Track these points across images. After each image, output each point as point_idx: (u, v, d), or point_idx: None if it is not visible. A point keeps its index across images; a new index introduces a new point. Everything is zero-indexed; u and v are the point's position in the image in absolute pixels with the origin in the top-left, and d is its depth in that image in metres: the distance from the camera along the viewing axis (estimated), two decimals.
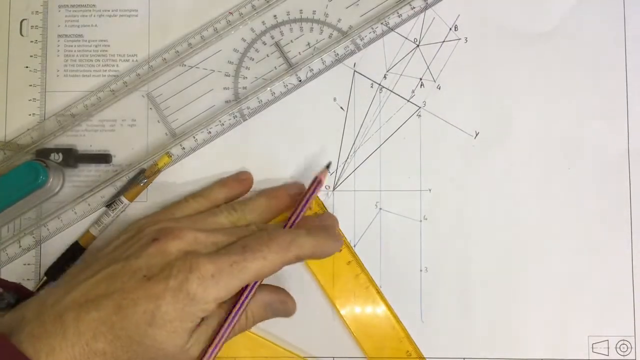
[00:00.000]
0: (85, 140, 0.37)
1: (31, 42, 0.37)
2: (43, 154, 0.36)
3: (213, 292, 0.27)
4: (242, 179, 0.36)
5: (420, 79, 0.37)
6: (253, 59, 0.37)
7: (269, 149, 0.37)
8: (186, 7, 0.37)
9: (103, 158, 0.36)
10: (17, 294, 0.30)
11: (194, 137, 0.37)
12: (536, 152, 0.37)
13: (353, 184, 0.37)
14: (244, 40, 0.37)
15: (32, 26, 0.37)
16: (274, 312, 0.32)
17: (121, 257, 0.29)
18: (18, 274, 0.36)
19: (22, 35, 0.37)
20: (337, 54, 0.37)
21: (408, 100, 0.37)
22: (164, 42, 0.37)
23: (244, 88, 0.37)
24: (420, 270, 0.36)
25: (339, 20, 0.37)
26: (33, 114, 0.37)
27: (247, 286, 0.30)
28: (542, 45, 0.37)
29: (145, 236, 0.30)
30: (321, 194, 0.36)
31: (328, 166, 0.35)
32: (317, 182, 0.33)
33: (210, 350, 0.29)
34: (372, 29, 0.37)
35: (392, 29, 0.37)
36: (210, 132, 0.37)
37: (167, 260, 0.28)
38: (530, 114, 0.37)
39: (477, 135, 0.37)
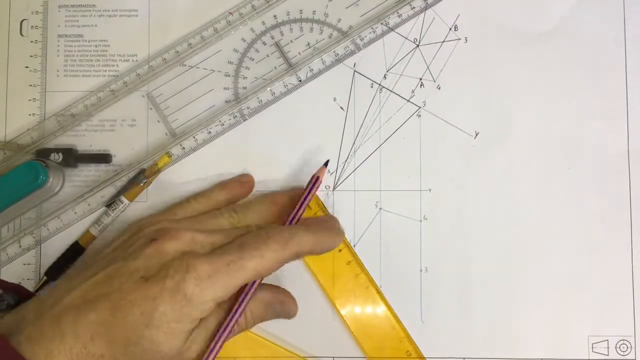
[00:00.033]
0: (85, 140, 0.37)
1: (31, 42, 0.37)
2: (43, 154, 0.36)
3: (210, 292, 0.27)
4: (244, 181, 0.36)
5: (420, 79, 0.37)
6: (253, 59, 0.37)
7: (269, 149, 0.37)
8: (186, 7, 0.37)
9: (103, 158, 0.36)
10: (17, 295, 0.30)
11: (194, 137, 0.37)
12: (536, 152, 0.37)
13: (353, 184, 0.37)
14: (244, 40, 0.37)
15: (32, 26, 0.37)
16: (274, 312, 0.32)
17: (119, 258, 0.29)
18: (18, 274, 0.36)
19: (22, 35, 0.37)
20: (337, 54, 0.37)
21: (408, 100, 0.37)
22: (164, 42, 0.37)
23: (244, 88, 0.37)
24: (420, 270, 0.36)
25: (339, 20, 0.37)
26: (33, 114, 0.37)
27: (246, 285, 0.30)
28: (542, 45, 0.37)
29: (143, 237, 0.30)
30: (321, 194, 0.36)
31: (326, 164, 0.35)
32: (315, 180, 0.33)
33: (209, 350, 0.28)
34: (372, 29, 0.37)
35: (392, 29, 0.37)
36: (210, 132, 0.37)
37: (164, 261, 0.28)
38: (530, 114, 0.37)
39: (477, 135, 0.37)
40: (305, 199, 0.32)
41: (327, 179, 0.37)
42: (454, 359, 0.36)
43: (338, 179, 0.37)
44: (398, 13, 0.37)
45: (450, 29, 0.37)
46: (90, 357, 0.26)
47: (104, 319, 0.26)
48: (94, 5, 0.38)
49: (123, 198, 0.36)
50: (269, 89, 0.37)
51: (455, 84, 0.37)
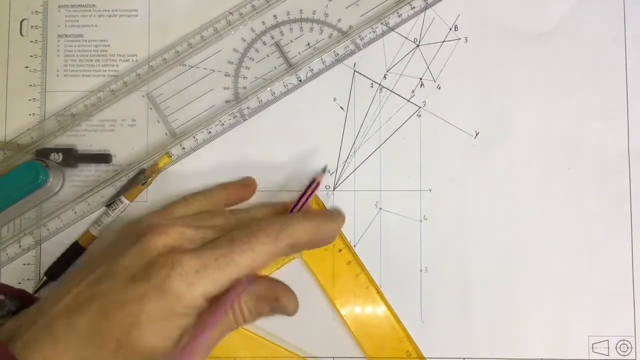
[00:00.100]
0: (85, 140, 0.37)
1: (31, 42, 0.37)
2: (43, 153, 0.36)
3: (199, 288, 0.26)
4: (246, 184, 0.35)
5: (420, 79, 0.37)
6: (253, 59, 0.37)
7: (269, 149, 0.37)
8: (186, 7, 0.37)
9: (103, 158, 0.36)
10: (20, 301, 0.29)
11: (194, 137, 0.37)
12: (536, 152, 0.37)
13: (353, 184, 0.37)
14: (244, 40, 0.37)
15: (32, 26, 0.37)
16: (271, 307, 0.30)
17: (109, 258, 0.28)
18: (18, 274, 0.36)
19: (22, 35, 0.37)
20: (337, 54, 0.37)
21: (408, 100, 0.37)
22: (164, 42, 0.37)
23: (244, 88, 0.37)
24: (420, 270, 0.36)
25: (339, 20, 0.37)
26: (33, 114, 0.37)
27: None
28: (542, 45, 0.37)
29: (132, 234, 0.29)
30: (321, 194, 0.36)
31: (324, 170, 0.35)
32: (315, 185, 0.33)
33: (193, 339, 0.27)
34: (372, 28, 0.37)
35: (392, 29, 0.37)
36: (210, 132, 0.37)
37: (150, 258, 0.27)
38: (530, 114, 0.37)
39: (477, 135, 0.37)
40: (302, 204, 0.32)
41: (327, 179, 0.37)
42: (454, 359, 0.36)
43: (338, 179, 0.37)
44: (398, 13, 0.37)
45: (450, 29, 0.37)
46: None
47: (95, 322, 0.26)
48: (94, 5, 0.38)
49: (123, 198, 0.36)
50: (269, 89, 0.37)
51: (455, 84, 0.37)
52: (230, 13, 0.37)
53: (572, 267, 0.36)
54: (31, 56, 0.37)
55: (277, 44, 0.37)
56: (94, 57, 0.37)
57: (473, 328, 0.36)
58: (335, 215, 0.31)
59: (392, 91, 0.37)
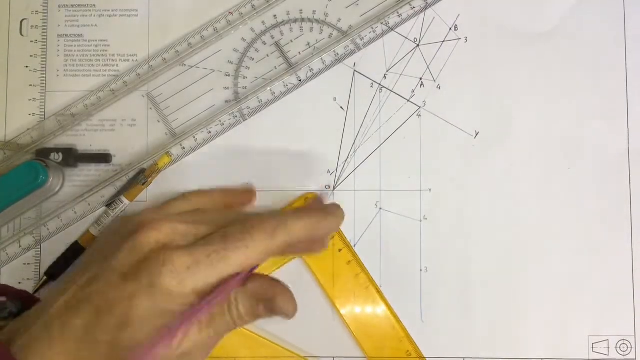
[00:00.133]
0: (85, 140, 0.37)
1: (31, 42, 0.37)
2: (43, 153, 0.36)
3: (190, 285, 0.26)
4: (247, 190, 0.35)
5: (420, 79, 0.37)
6: (253, 59, 0.37)
7: (269, 149, 0.37)
8: (186, 7, 0.37)
9: (103, 158, 0.36)
10: (22, 303, 0.29)
11: (194, 137, 0.37)
12: (536, 152, 0.37)
13: (353, 184, 0.37)
14: (244, 40, 0.37)
15: (32, 26, 0.37)
16: (267, 307, 0.28)
17: (103, 257, 0.28)
18: (18, 274, 0.36)
19: (22, 35, 0.37)
20: (337, 54, 0.37)
21: (408, 100, 0.37)
22: (164, 42, 0.37)
23: (244, 88, 0.37)
24: (420, 270, 0.36)
25: (339, 20, 0.37)
26: (33, 113, 0.37)
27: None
28: (542, 45, 0.37)
29: (125, 231, 0.28)
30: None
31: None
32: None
33: (178, 325, 0.26)
34: (372, 28, 0.37)
35: (392, 29, 0.37)
36: (210, 132, 0.37)
37: (141, 255, 0.27)
38: (530, 114, 0.37)
39: (477, 135, 0.37)
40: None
41: (327, 179, 0.37)
42: (454, 359, 0.36)
43: (338, 179, 0.37)
44: (398, 13, 0.37)
45: (450, 28, 0.37)
46: None
47: (88, 323, 0.25)
48: (94, 5, 0.38)
49: (123, 198, 0.36)
50: (269, 88, 0.37)
51: (455, 84, 0.37)
52: (230, 13, 0.37)
53: (572, 267, 0.36)
54: (31, 56, 0.37)
55: (277, 44, 0.37)
56: (94, 57, 0.37)
57: (473, 328, 0.36)
58: (334, 211, 0.30)
59: (392, 91, 0.37)
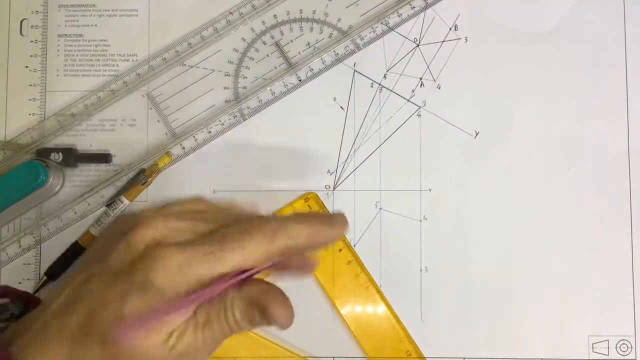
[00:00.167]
0: (85, 140, 0.37)
1: (31, 42, 0.37)
2: (43, 153, 0.36)
3: (183, 283, 0.25)
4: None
5: (420, 79, 0.37)
6: (253, 59, 0.37)
7: (269, 149, 0.37)
8: (186, 7, 0.37)
9: (103, 158, 0.36)
10: (24, 304, 0.29)
11: (194, 137, 0.37)
12: (536, 152, 0.37)
13: (353, 184, 0.37)
14: (244, 40, 0.37)
15: (32, 26, 0.37)
16: (261, 314, 0.27)
17: (98, 257, 0.28)
18: (18, 274, 0.36)
19: (22, 35, 0.37)
20: (337, 54, 0.37)
21: (408, 100, 0.37)
22: (164, 42, 0.37)
23: (244, 88, 0.37)
24: (420, 270, 0.36)
25: (339, 20, 0.37)
26: (33, 113, 0.37)
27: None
28: (542, 45, 0.37)
29: (120, 231, 0.28)
30: (321, 194, 0.36)
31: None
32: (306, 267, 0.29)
33: (157, 316, 0.25)
34: (372, 28, 0.37)
35: (392, 29, 0.37)
36: (210, 132, 0.37)
37: (135, 254, 0.26)
38: (530, 113, 0.37)
39: (477, 135, 0.37)
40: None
41: (327, 179, 0.37)
42: (454, 359, 0.36)
43: (338, 179, 0.37)
44: (398, 13, 0.37)
45: (450, 28, 0.37)
46: None
47: (83, 323, 0.25)
48: (94, 5, 0.38)
49: (123, 198, 0.36)
50: (269, 88, 0.37)
51: (455, 84, 0.37)
52: (230, 13, 0.37)
53: (572, 267, 0.36)
54: (31, 56, 0.37)
55: (277, 44, 0.37)
56: (94, 57, 0.37)
57: (473, 328, 0.36)
58: (338, 221, 0.29)
59: (392, 91, 0.37)
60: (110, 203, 0.36)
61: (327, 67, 0.37)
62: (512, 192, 0.36)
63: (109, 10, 0.37)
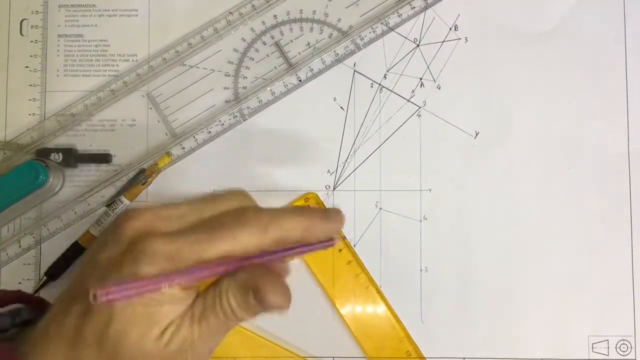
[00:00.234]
0: (85, 140, 0.37)
1: (31, 42, 0.37)
2: (43, 153, 0.36)
3: (172, 274, 0.24)
4: None
5: (420, 79, 0.37)
6: (253, 59, 0.37)
7: (269, 149, 0.37)
8: (186, 7, 0.37)
9: (103, 158, 0.36)
10: (38, 309, 0.29)
11: (194, 137, 0.37)
12: (536, 152, 0.37)
13: (353, 184, 0.37)
14: (244, 40, 0.37)
15: (32, 26, 0.37)
16: (257, 297, 0.25)
17: (91, 255, 0.27)
18: (18, 274, 0.36)
19: (22, 35, 0.37)
20: (337, 54, 0.37)
21: (408, 100, 0.37)
22: (164, 42, 0.37)
23: (244, 88, 0.37)
24: (420, 270, 0.36)
25: (339, 20, 0.37)
26: (33, 113, 0.37)
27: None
28: (542, 45, 0.37)
29: (112, 227, 0.27)
30: (321, 194, 0.36)
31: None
32: (328, 242, 0.28)
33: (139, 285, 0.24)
34: (372, 28, 0.37)
35: (392, 29, 0.37)
36: (210, 132, 0.37)
37: (123, 247, 0.26)
38: (530, 114, 0.37)
39: (477, 135, 0.37)
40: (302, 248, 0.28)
41: (327, 179, 0.37)
42: (454, 359, 0.36)
43: (338, 179, 0.37)
44: (398, 13, 0.37)
45: (450, 29, 0.37)
46: None
47: (78, 323, 0.25)
48: (94, 5, 0.38)
49: (123, 198, 0.36)
50: (269, 88, 0.37)
51: (455, 84, 0.37)
52: (230, 13, 0.37)
53: (572, 267, 0.36)
54: (31, 56, 0.37)
55: (277, 44, 0.37)
56: (94, 57, 0.37)
57: (473, 328, 0.36)
58: (333, 215, 0.28)
59: (392, 91, 0.37)
60: (110, 203, 0.36)
61: (327, 67, 0.37)
62: (512, 192, 0.36)
63: (109, 10, 0.37)
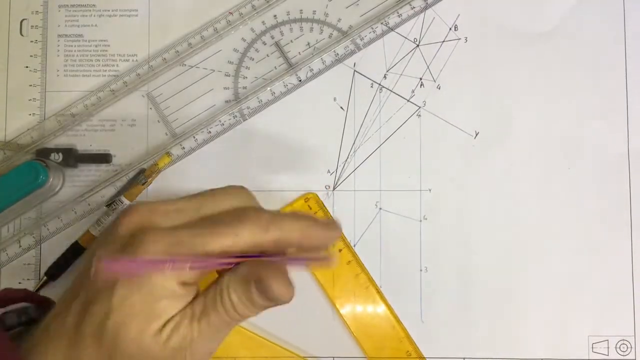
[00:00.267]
0: (85, 140, 0.37)
1: (31, 42, 0.37)
2: (43, 153, 0.36)
3: (170, 270, 0.24)
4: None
5: (420, 79, 0.37)
6: (253, 59, 0.37)
7: (269, 149, 0.37)
8: (186, 7, 0.37)
9: (103, 158, 0.36)
10: (44, 308, 0.29)
11: (194, 137, 0.37)
12: (536, 152, 0.37)
13: (353, 184, 0.37)
14: (244, 40, 0.37)
15: (32, 26, 0.37)
16: (259, 289, 0.25)
17: (92, 253, 0.27)
18: (18, 274, 0.36)
19: (22, 35, 0.37)
20: (337, 54, 0.37)
21: (408, 100, 0.37)
22: (164, 42, 0.37)
23: (244, 88, 0.37)
24: (420, 270, 0.36)
25: (339, 20, 0.37)
26: (33, 113, 0.37)
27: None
28: (542, 45, 0.37)
29: (111, 225, 0.27)
30: (321, 194, 0.36)
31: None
32: (324, 258, 0.27)
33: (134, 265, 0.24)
34: (372, 28, 0.37)
35: (392, 29, 0.37)
36: (210, 132, 0.37)
37: (121, 242, 0.26)
38: (530, 114, 0.37)
39: (477, 135, 0.37)
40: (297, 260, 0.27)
41: (327, 179, 0.37)
42: (454, 359, 0.36)
43: (338, 179, 0.37)
44: (398, 13, 0.37)
45: (450, 29, 0.37)
46: None
47: (78, 322, 0.25)
48: (94, 5, 0.38)
49: (123, 198, 0.36)
50: (269, 88, 0.37)
51: (455, 84, 0.37)
52: (230, 13, 0.37)
53: (572, 267, 0.36)
54: (31, 56, 0.37)
55: (277, 44, 0.37)
56: (94, 57, 0.37)
57: (473, 328, 0.36)
58: (330, 225, 0.28)
59: (392, 91, 0.37)
60: (110, 203, 0.36)
61: (327, 67, 0.37)
62: (512, 192, 0.36)
63: (109, 11, 0.37)
